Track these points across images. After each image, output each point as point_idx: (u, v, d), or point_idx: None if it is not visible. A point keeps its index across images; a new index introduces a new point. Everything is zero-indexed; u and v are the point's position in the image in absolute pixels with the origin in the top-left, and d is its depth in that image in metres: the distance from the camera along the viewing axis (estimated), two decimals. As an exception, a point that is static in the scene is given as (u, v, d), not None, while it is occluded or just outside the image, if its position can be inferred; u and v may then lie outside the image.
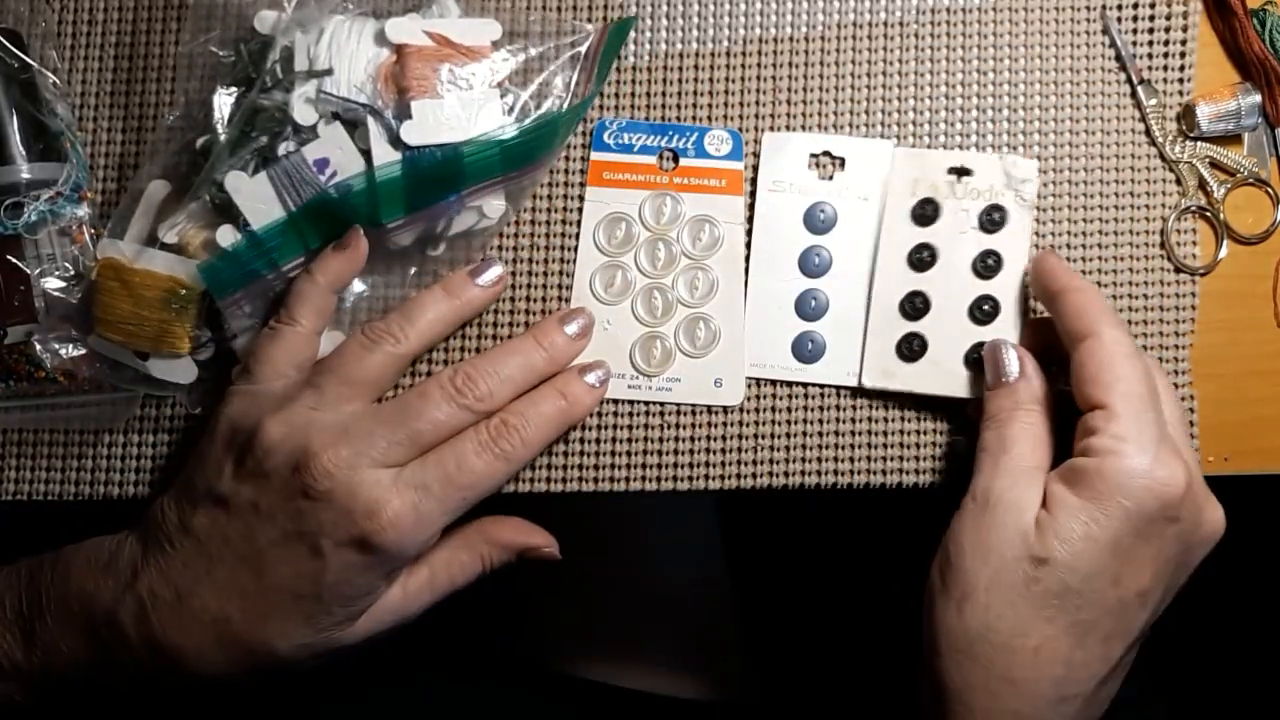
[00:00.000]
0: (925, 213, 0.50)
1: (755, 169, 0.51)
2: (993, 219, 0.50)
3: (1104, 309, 0.44)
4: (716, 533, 0.75)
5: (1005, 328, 0.50)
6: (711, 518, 0.76)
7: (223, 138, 0.46)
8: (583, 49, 0.50)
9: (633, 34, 0.52)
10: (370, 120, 0.46)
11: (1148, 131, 0.51)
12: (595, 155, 0.51)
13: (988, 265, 0.50)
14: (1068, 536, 0.41)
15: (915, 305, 0.50)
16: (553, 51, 0.50)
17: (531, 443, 0.45)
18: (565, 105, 0.49)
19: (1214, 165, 0.51)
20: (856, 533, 0.76)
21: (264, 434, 0.44)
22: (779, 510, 0.76)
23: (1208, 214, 0.51)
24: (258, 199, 0.46)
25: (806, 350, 0.50)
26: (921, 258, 0.50)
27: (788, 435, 0.51)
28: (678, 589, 0.76)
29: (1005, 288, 0.50)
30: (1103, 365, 0.43)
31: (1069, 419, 0.45)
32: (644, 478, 0.50)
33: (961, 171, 0.50)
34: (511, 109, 0.48)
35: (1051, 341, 0.47)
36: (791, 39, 0.52)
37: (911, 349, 0.50)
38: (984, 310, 0.50)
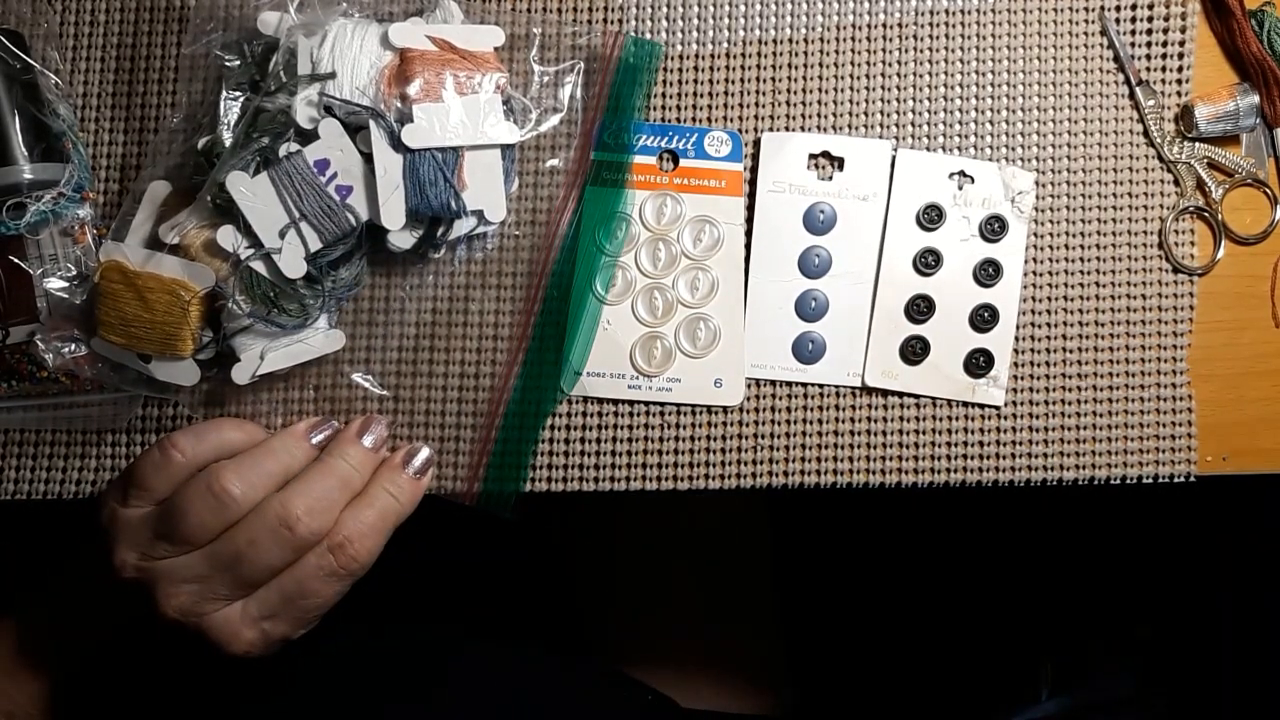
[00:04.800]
0: (930, 217, 0.50)
1: (755, 170, 0.51)
2: (993, 229, 0.50)
3: None
4: (767, 536, 0.76)
5: (1003, 336, 0.50)
6: (763, 517, 0.76)
7: (226, 140, 0.46)
8: (582, 55, 0.50)
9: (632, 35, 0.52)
10: (372, 124, 0.46)
11: (1146, 132, 0.51)
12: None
13: (988, 274, 0.50)
14: None
15: (920, 308, 0.50)
16: (555, 57, 0.50)
17: (368, 555, 0.47)
18: (567, 108, 0.49)
19: (1212, 166, 0.51)
20: (901, 547, 0.76)
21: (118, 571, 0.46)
22: (828, 522, 0.77)
23: (1206, 214, 0.51)
24: (258, 199, 0.46)
25: (807, 350, 0.51)
26: (927, 262, 0.50)
27: (788, 435, 0.51)
28: (722, 597, 0.76)
29: (1004, 297, 0.50)
30: None
31: None
32: (644, 477, 0.51)
33: (963, 176, 0.51)
34: (513, 113, 0.48)
35: None
36: (791, 40, 0.52)
37: (915, 351, 0.50)
38: (984, 318, 0.50)
